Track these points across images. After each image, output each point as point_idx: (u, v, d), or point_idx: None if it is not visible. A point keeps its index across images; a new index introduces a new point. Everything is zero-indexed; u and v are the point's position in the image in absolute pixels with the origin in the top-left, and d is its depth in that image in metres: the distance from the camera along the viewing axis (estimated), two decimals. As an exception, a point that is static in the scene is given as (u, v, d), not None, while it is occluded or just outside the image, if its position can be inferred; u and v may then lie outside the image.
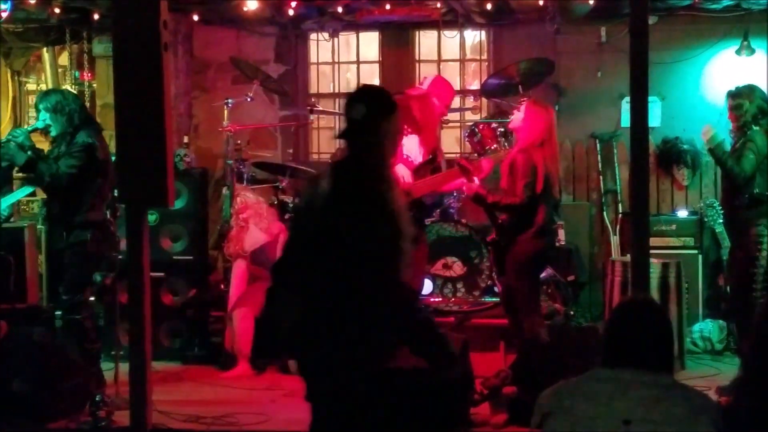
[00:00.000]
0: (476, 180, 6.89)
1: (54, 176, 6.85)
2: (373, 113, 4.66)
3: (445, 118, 8.89)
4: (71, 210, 7.00)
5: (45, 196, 7.45)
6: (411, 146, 7.34)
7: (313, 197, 4.72)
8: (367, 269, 4.51)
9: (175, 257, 8.67)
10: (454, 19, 10.07)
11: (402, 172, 7.19)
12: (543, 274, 8.43)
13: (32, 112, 11.69)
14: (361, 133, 4.67)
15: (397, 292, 4.68)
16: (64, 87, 11.16)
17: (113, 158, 8.67)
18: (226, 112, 9.08)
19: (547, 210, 6.76)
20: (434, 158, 7.44)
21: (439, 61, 10.78)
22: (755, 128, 7.31)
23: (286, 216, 8.61)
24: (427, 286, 8.06)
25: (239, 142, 9.00)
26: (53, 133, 7.03)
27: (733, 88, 7.53)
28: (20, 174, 8.09)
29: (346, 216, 4.53)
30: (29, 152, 6.91)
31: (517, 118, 6.91)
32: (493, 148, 7.42)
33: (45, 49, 11.25)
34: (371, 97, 4.79)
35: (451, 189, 7.92)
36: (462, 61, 10.80)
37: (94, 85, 10.95)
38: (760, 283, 7.25)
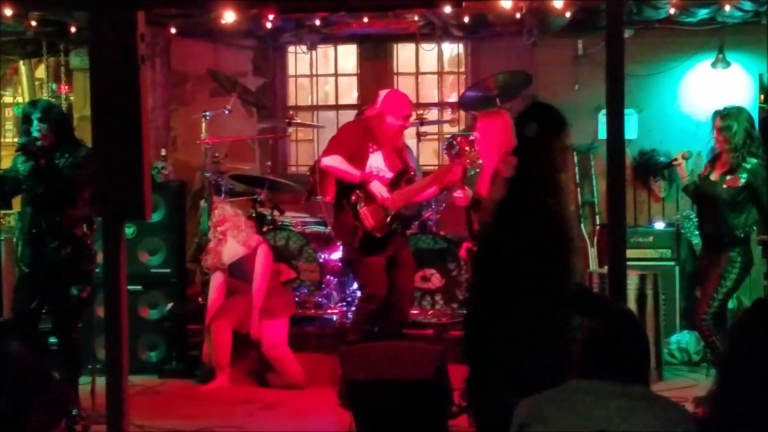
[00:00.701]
0: (468, 190, 6.98)
1: (68, 183, 6.73)
2: (545, 131, 4.75)
3: (423, 130, 8.92)
4: (68, 223, 6.88)
5: (21, 210, 7.18)
6: (378, 163, 7.38)
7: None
8: (536, 285, 4.57)
9: (152, 270, 8.65)
10: (431, 32, 10.09)
11: (377, 187, 7.22)
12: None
13: (9, 125, 11.68)
14: (532, 149, 4.74)
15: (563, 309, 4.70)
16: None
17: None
18: (204, 124, 9.07)
19: None
20: (406, 171, 7.47)
21: (417, 73, 10.81)
22: (754, 161, 7.25)
23: (264, 229, 8.61)
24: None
25: (217, 154, 9.00)
26: (46, 143, 6.82)
27: (721, 108, 7.44)
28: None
29: (518, 233, 4.60)
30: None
31: (476, 138, 7.09)
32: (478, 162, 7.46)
33: (22, 61, 11.23)
34: (543, 115, 4.86)
35: (429, 197, 7.93)
36: (440, 73, 10.82)
37: (72, 98, 10.92)
38: (717, 301, 7.30)
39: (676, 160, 7.78)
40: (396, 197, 7.28)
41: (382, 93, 7.68)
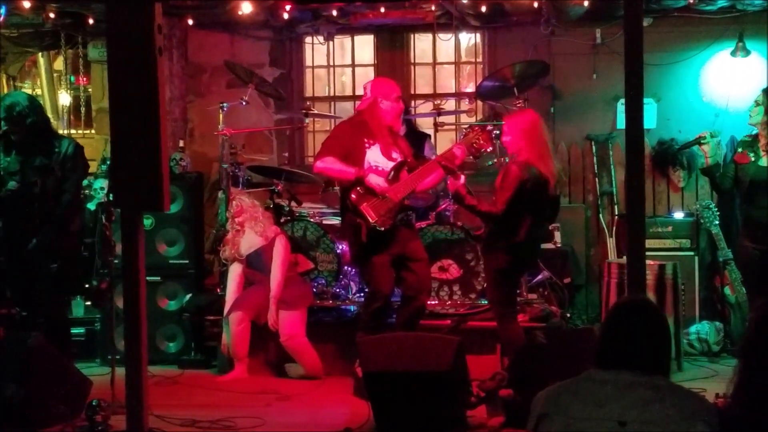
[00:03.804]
0: (462, 177, 6.95)
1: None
2: None
3: (440, 120, 8.88)
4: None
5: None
6: (375, 157, 7.31)
7: None
8: None
9: (171, 261, 8.70)
10: (448, 22, 10.07)
11: (374, 180, 7.15)
12: (539, 277, 8.45)
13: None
14: None
15: None
16: (60, 92, 11.18)
17: (107, 162, 8.69)
18: (221, 116, 9.06)
19: (532, 224, 6.81)
20: (405, 161, 7.38)
21: (434, 63, 10.79)
22: None
23: (281, 219, 8.61)
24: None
25: (234, 145, 8.99)
26: (15, 138, 6.96)
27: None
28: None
29: None
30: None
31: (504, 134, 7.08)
32: (488, 150, 7.41)
33: (40, 54, 11.27)
34: None
35: (432, 184, 7.75)
36: (457, 63, 10.80)
37: (90, 90, 10.95)
38: None
39: (702, 138, 7.74)
40: (397, 187, 7.20)
41: (368, 83, 7.67)
